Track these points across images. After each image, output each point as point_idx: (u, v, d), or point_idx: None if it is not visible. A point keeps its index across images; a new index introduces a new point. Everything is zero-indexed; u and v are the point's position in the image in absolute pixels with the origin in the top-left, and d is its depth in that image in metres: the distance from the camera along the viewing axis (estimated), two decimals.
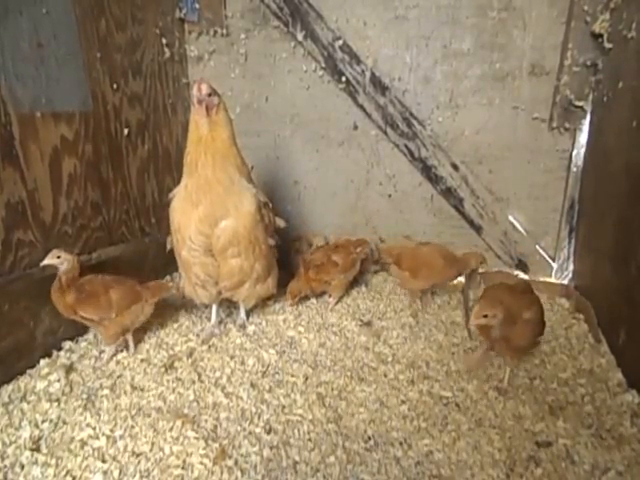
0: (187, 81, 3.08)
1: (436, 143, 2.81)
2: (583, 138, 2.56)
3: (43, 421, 1.69)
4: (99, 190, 2.43)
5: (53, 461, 1.51)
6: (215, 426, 1.69)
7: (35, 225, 2.06)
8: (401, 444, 1.63)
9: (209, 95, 1.94)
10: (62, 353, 2.12)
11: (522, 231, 2.82)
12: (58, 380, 1.91)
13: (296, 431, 1.68)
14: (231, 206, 2.03)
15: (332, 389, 1.92)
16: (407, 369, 2.05)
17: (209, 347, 2.22)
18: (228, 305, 2.55)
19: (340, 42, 2.78)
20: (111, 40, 2.43)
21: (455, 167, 2.81)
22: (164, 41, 2.82)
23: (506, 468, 1.52)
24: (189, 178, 2.03)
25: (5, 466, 1.50)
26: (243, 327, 2.41)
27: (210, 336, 2.30)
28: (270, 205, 2.27)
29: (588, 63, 2.41)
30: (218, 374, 2.01)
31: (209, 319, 2.41)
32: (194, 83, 1.96)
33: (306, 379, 1.98)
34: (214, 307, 2.39)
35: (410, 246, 2.69)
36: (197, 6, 2.93)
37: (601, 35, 2.31)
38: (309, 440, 1.64)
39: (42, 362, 2.02)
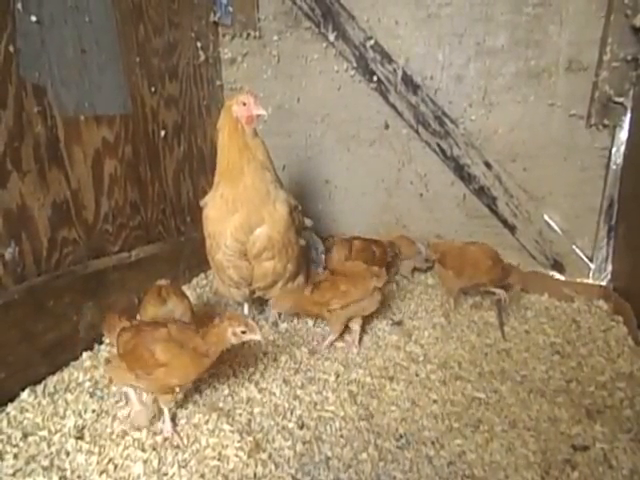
0: (221, 83, 3.15)
1: (469, 141, 2.77)
2: (623, 135, 2.48)
3: (86, 411, 1.77)
4: (137, 190, 2.52)
5: (96, 449, 1.58)
6: (249, 420, 1.73)
7: (79, 224, 2.16)
8: (433, 443, 1.63)
9: None
10: (103, 347, 2.19)
11: (558, 231, 2.75)
12: (99, 372, 1.98)
13: (328, 427, 1.70)
14: (266, 214, 2.07)
15: (363, 387, 1.94)
16: (439, 369, 2.05)
17: (242, 343, 2.26)
18: (261, 302, 2.59)
19: (372, 42, 2.79)
20: (149, 45, 2.51)
21: (488, 166, 2.77)
22: (199, 44, 2.89)
23: (541, 471, 1.50)
24: (226, 187, 2.05)
25: (51, 453, 1.57)
26: (275, 325, 2.44)
27: None
28: (300, 207, 2.32)
29: (628, 58, 2.33)
30: (251, 370, 2.05)
31: None
32: (248, 96, 1.99)
33: (337, 377, 2.00)
34: (246, 305, 2.44)
35: (456, 245, 2.65)
36: (231, 9, 2.99)
37: None
38: (341, 437, 1.66)
39: (84, 355, 2.10)
